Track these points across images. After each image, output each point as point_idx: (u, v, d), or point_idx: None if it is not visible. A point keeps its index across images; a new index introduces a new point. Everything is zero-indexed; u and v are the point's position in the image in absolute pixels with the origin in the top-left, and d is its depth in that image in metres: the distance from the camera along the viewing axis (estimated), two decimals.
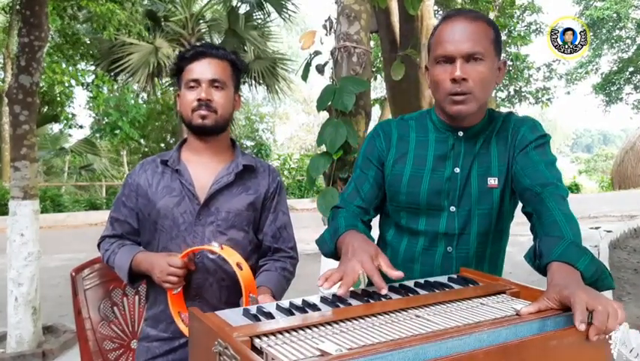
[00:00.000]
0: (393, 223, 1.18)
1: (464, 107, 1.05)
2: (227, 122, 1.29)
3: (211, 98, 1.23)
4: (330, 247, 1.09)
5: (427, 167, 1.11)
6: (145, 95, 13.25)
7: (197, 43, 1.29)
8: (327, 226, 1.18)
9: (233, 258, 1.10)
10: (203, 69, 1.24)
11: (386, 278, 0.89)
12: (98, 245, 1.36)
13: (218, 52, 1.27)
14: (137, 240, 1.33)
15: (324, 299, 0.85)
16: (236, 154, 1.33)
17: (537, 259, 0.89)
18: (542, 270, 0.87)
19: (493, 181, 1.09)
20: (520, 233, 2.62)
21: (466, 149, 1.11)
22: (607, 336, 0.71)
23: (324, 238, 1.12)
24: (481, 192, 1.09)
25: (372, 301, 0.85)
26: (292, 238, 1.38)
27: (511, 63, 16.70)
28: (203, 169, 1.28)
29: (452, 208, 1.10)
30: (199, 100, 1.23)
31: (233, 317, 0.78)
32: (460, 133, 1.11)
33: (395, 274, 0.89)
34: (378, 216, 1.26)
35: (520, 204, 1.12)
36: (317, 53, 2.50)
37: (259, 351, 0.66)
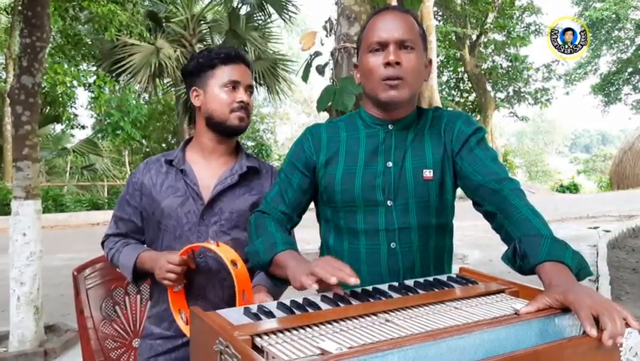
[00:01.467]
0: (333, 227, 1.16)
1: (397, 93, 1.05)
2: None
3: (249, 101, 1.29)
4: (265, 260, 1.03)
5: (359, 163, 1.11)
6: (146, 95, 13.27)
7: (225, 47, 1.30)
8: (250, 233, 1.13)
9: (228, 255, 1.09)
10: (242, 73, 1.28)
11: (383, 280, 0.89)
12: (102, 243, 1.36)
13: (247, 59, 1.32)
14: (142, 238, 1.34)
15: (325, 298, 0.85)
16: (240, 155, 1.35)
17: (519, 260, 0.89)
18: (527, 271, 0.88)
19: (428, 173, 1.09)
20: None
21: (397, 142, 1.11)
22: (619, 343, 0.71)
23: (257, 249, 1.05)
24: (417, 184, 1.09)
25: (372, 300, 0.85)
26: None
27: (510, 64, 16.71)
28: (208, 170, 1.30)
29: (389, 202, 1.09)
30: (241, 102, 1.26)
31: (234, 315, 0.78)
32: (390, 126, 1.12)
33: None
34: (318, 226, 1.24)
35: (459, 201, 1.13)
36: (317, 53, 2.51)
37: (260, 350, 0.66)
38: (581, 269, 0.86)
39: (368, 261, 1.10)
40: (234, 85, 1.26)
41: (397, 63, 1.04)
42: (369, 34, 1.08)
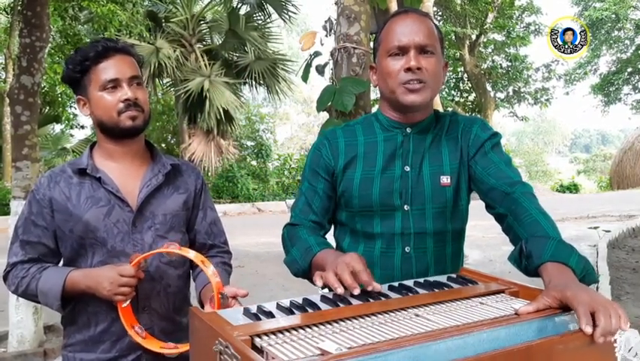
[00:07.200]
0: (348, 231, 1.17)
1: (419, 97, 1.05)
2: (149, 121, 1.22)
3: (137, 96, 1.16)
4: (303, 265, 1.05)
5: (377, 167, 1.11)
6: None
7: (96, 39, 1.21)
8: (284, 245, 1.16)
9: (197, 256, 1.07)
10: (119, 67, 1.15)
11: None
12: (5, 276, 1.19)
13: (123, 47, 1.18)
14: (55, 262, 1.21)
15: (324, 298, 0.85)
16: (156, 154, 1.26)
17: (524, 260, 0.89)
18: (531, 271, 0.88)
19: (445, 180, 1.09)
20: None
21: (415, 146, 1.11)
22: (613, 340, 0.71)
23: (294, 258, 1.08)
24: (434, 190, 1.09)
25: (372, 300, 0.85)
26: (223, 232, 1.35)
27: (510, 64, 16.73)
28: (125, 174, 1.20)
29: (406, 207, 1.09)
30: (126, 100, 1.14)
31: (233, 316, 0.78)
32: (408, 130, 1.12)
33: (374, 286, 0.86)
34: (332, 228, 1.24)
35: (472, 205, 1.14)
36: (317, 53, 2.51)
37: (259, 350, 0.66)
38: (586, 274, 0.86)
39: (382, 264, 1.11)
40: (114, 83, 1.14)
41: (418, 68, 1.04)
42: (389, 37, 1.07)
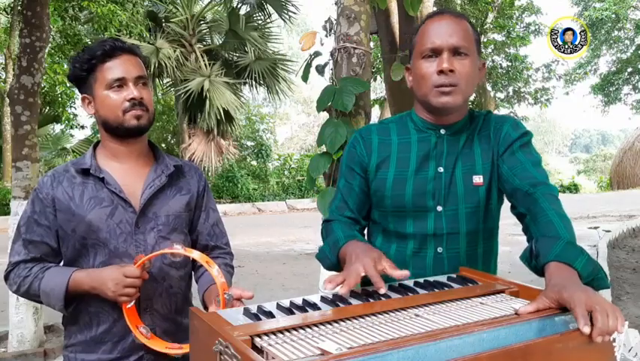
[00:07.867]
0: (380, 229, 1.18)
1: (450, 99, 1.05)
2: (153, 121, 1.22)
3: (142, 96, 1.16)
4: (332, 260, 1.08)
5: (410, 168, 1.11)
6: None
7: (102, 40, 1.21)
8: (322, 241, 1.18)
9: (202, 257, 1.08)
10: (126, 67, 1.15)
11: (389, 279, 0.91)
12: (7, 275, 1.19)
13: (130, 47, 1.19)
14: (57, 262, 1.20)
15: (324, 299, 0.85)
16: (160, 156, 1.26)
17: (533, 260, 0.89)
18: (539, 270, 0.88)
19: (478, 179, 1.09)
20: (518, 233, 2.63)
21: (449, 147, 1.11)
22: (611, 339, 0.72)
23: (324, 253, 1.11)
24: (467, 190, 1.09)
25: (372, 300, 0.85)
26: (225, 233, 1.35)
27: (510, 64, 16.72)
28: (129, 174, 1.20)
29: (439, 208, 1.10)
30: (132, 99, 1.14)
31: (233, 316, 0.78)
32: (443, 131, 1.12)
33: (399, 273, 0.90)
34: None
35: (506, 204, 1.13)
36: (317, 53, 2.51)
37: (259, 350, 0.67)
38: (594, 279, 0.86)
39: (414, 264, 1.11)
40: (120, 83, 1.14)
41: (451, 71, 1.04)
42: (423, 39, 1.07)
